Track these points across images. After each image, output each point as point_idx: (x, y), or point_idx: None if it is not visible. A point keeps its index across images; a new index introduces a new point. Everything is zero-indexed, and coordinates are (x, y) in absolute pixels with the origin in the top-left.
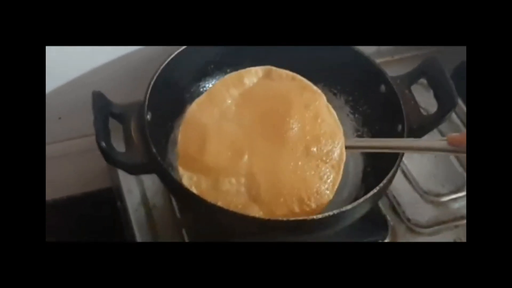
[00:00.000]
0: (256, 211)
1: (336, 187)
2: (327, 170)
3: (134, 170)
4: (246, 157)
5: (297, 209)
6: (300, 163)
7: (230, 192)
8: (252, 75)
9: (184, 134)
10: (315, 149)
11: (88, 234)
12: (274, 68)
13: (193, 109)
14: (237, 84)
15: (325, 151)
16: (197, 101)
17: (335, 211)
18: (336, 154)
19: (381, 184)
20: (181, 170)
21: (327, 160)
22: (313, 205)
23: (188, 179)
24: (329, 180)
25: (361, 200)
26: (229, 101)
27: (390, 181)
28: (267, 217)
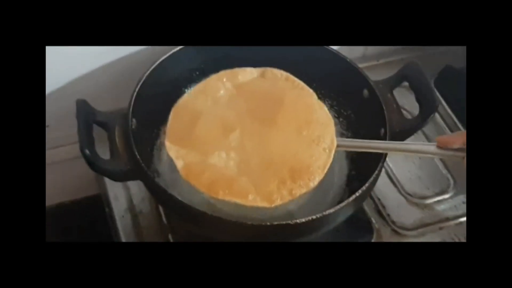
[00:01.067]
0: (244, 184)
1: (326, 169)
2: (319, 151)
3: (119, 177)
4: (236, 132)
5: (288, 181)
6: (291, 141)
7: (218, 165)
8: (247, 73)
9: (175, 116)
10: (306, 132)
11: (78, 240)
12: (269, 68)
13: (185, 97)
14: (231, 78)
15: (316, 134)
16: (190, 91)
17: (319, 214)
18: (328, 139)
19: (363, 187)
20: (168, 145)
21: (318, 143)
22: (305, 178)
23: (175, 152)
24: (320, 160)
25: (344, 203)
26: (222, 92)
27: (373, 183)
28: (250, 222)
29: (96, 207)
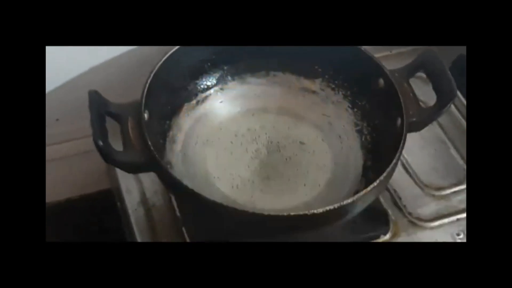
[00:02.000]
0: None
1: None
2: None
3: (132, 168)
4: None
5: None
6: None
7: None
8: None
9: None
10: None
11: (87, 236)
12: None
13: None
14: None
15: None
16: None
17: (336, 205)
18: None
19: (381, 177)
20: None
21: None
22: None
23: None
24: None
25: (362, 193)
26: None
27: (390, 174)
28: (267, 213)
29: (106, 202)
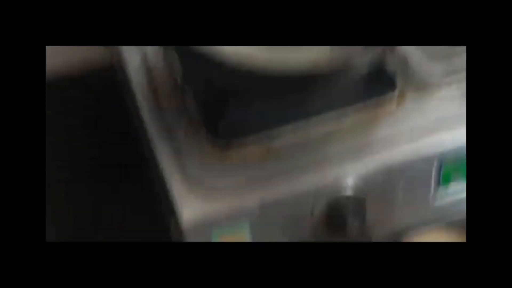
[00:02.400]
0: None
1: None
2: None
3: None
4: None
5: None
6: None
7: None
8: None
9: None
10: None
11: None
12: None
13: None
14: None
15: None
16: None
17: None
18: None
19: None
20: None
21: None
22: None
23: None
24: None
25: None
26: None
27: None
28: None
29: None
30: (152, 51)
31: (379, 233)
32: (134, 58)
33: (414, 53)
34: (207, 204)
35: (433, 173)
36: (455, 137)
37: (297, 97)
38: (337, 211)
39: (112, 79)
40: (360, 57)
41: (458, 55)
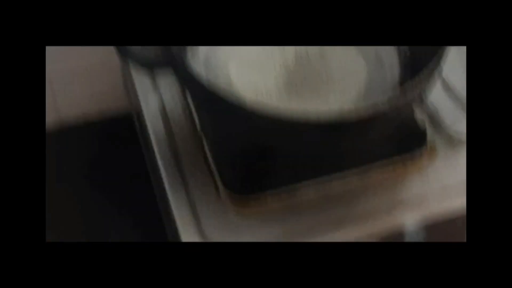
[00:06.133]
0: None
1: None
2: None
3: (147, 62)
4: None
5: None
6: None
7: None
8: None
9: None
10: None
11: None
12: None
13: None
14: None
15: None
16: None
17: (369, 107)
18: None
19: (419, 78)
20: None
21: None
22: None
23: None
24: None
25: (397, 95)
26: None
27: (428, 78)
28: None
29: (124, 123)
30: (171, 99)
31: None
32: (153, 106)
33: (445, 105)
34: None
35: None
36: None
37: (320, 150)
38: None
39: (130, 127)
40: (388, 108)
41: None
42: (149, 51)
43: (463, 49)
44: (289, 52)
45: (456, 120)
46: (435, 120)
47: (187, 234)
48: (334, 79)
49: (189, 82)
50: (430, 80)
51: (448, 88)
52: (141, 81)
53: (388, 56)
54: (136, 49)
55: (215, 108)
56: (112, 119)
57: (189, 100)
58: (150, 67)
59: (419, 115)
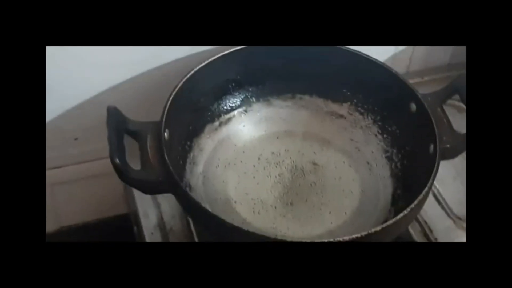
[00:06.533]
0: None
1: None
2: None
3: (150, 188)
4: None
5: None
6: None
7: None
8: None
9: None
10: None
11: None
12: None
13: None
14: None
15: None
16: None
17: (363, 233)
18: None
19: (412, 206)
20: None
21: None
22: None
23: None
24: None
25: (390, 222)
26: None
27: (421, 203)
28: (289, 239)
29: (123, 227)
30: (169, 212)
31: None
32: (150, 218)
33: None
34: None
35: None
36: None
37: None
38: None
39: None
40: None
41: None
42: (151, 176)
43: (453, 162)
44: (285, 167)
45: (448, 238)
46: (428, 238)
47: None
48: (327, 194)
49: (189, 207)
50: (423, 202)
51: (440, 204)
52: (141, 196)
53: (380, 167)
54: (138, 174)
55: (216, 231)
56: (110, 224)
57: (190, 220)
58: (151, 192)
59: (413, 233)
